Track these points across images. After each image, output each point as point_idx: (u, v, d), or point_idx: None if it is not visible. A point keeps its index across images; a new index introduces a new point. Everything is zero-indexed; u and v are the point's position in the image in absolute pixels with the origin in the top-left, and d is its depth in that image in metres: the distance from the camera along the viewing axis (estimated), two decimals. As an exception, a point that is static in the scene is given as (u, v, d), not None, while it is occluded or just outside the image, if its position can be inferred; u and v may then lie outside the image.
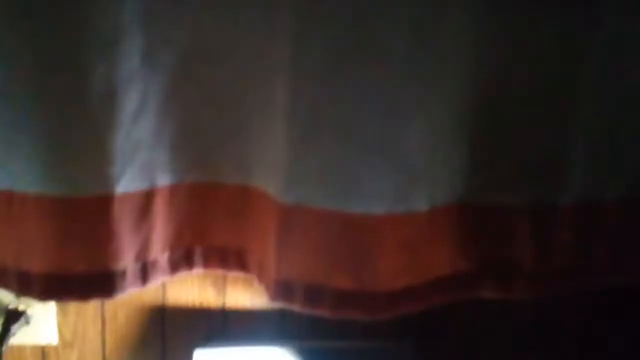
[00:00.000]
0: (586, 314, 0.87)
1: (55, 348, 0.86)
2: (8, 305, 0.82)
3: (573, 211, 0.65)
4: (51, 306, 0.84)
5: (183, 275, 0.72)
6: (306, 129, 0.61)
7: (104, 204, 0.61)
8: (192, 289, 0.85)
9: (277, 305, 0.79)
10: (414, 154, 0.62)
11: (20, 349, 0.85)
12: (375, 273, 0.65)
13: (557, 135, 0.63)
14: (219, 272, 0.83)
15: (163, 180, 0.66)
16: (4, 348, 0.82)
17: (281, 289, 0.65)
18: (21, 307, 0.83)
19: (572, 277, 0.68)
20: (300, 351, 0.82)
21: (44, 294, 0.63)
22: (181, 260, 0.70)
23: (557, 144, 0.64)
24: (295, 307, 0.66)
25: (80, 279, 0.63)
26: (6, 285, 0.64)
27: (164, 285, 0.85)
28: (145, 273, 0.67)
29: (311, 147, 0.61)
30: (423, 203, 0.64)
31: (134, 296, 0.84)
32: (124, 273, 0.64)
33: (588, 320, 0.87)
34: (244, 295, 0.86)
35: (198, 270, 0.72)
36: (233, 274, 0.76)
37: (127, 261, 0.64)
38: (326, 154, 0.61)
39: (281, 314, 0.86)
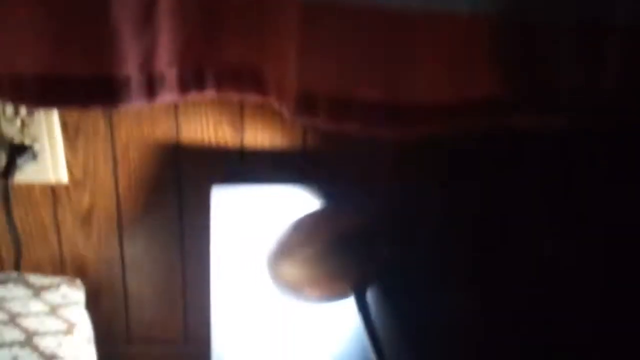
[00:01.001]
0: (623, 146, 0.82)
1: (66, 188, 0.83)
2: (12, 138, 0.78)
3: (622, 32, 0.61)
4: (58, 142, 0.79)
5: (194, 97, 0.66)
6: None
7: None
8: (207, 127, 0.81)
9: (297, 142, 0.75)
10: None
11: (29, 187, 0.82)
12: (408, 83, 0.60)
13: None
14: (235, 103, 0.79)
15: (168, -20, 0.58)
16: (10, 182, 0.79)
17: (303, 102, 0.60)
18: (27, 141, 0.78)
19: (613, 106, 0.64)
20: (319, 191, 0.79)
21: (41, 100, 0.58)
22: (191, 79, 0.65)
23: None
24: (320, 123, 0.61)
25: (80, 83, 0.58)
26: (-1, 92, 0.59)
27: (177, 123, 0.80)
28: (151, 86, 0.61)
29: None
30: (463, 4, 0.58)
31: (145, 133, 0.81)
32: (127, 81, 0.59)
33: (628, 153, 0.83)
34: (263, 134, 0.82)
35: (210, 93, 0.66)
36: (249, 99, 0.69)
37: (130, 68, 0.59)
38: None
39: (301, 155, 0.83)
